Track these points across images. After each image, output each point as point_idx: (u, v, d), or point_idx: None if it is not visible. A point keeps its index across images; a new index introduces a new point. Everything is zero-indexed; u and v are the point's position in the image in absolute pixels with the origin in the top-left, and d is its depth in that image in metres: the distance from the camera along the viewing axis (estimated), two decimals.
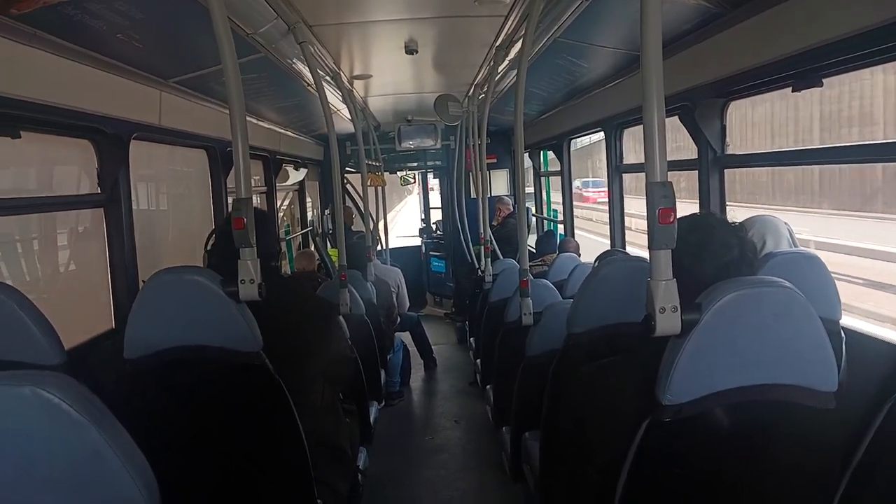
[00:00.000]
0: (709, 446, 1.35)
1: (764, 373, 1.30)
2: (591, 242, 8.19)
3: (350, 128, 5.35)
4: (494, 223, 6.73)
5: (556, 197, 6.70)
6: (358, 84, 4.93)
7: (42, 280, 3.15)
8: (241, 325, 1.80)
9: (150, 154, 3.74)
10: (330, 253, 6.20)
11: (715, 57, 2.67)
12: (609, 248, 4.09)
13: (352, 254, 4.17)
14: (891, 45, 1.86)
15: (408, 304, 5.89)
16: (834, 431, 1.36)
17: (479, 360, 4.74)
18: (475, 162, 5.49)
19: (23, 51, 2.09)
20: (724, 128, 2.93)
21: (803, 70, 2.27)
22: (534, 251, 5.89)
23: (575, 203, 6.23)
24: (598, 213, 16.59)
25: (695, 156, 3.05)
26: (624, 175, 4.58)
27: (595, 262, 3.10)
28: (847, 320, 2.21)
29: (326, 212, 7.57)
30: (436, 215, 9.37)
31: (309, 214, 7.52)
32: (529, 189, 7.37)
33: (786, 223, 2.51)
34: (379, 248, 7.45)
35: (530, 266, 3.07)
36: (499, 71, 3.87)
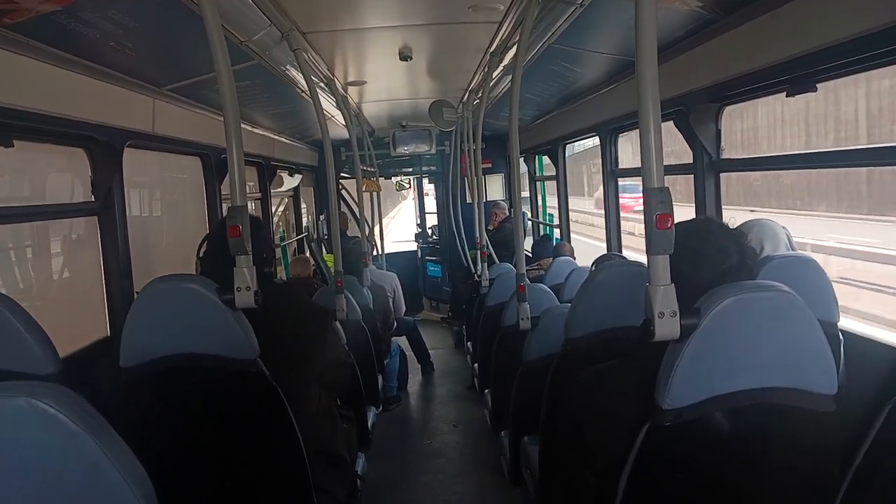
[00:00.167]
0: (709, 450, 1.35)
1: (763, 376, 1.30)
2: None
3: (345, 133, 5.35)
4: (490, 228, 6.74)
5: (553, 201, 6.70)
6: (352, 90, 4.93)
7: (36, 288, 3.14)
8: (238, 332, 1.79)
9: (143, 162, 3.73)
10: (325, 258, 6.20)
11: (709, 62, 2.68)
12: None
13: (347, 259, 4.17)
14: (885, 49, 1.87)
15: (404, 308, 5.88)
16: (833, 434, 1.36)
17: (476, 365, 4.74)
18: (470, 167, 5.49)
19: (16, 60, 2.08)
20: (718, 132, 2.94)
21: (797, 75, 2.28)
22: (530, 255, 5.89)
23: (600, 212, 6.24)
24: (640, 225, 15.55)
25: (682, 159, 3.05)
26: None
27: (592, 266, 3.10)
28: (845, 323, 2.22)
29: (322, 217, 7.57)
30: (431, 220, 9.37)
31: (304, 220, 7.51)
32: (525, 194, 7.39)
33: (784, 227, 2.52)
34: (375, 253, 7.45)
35: (527, 270, 3.07)
36: (493, 77, 3.88)
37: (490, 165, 7.78)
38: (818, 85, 2.28)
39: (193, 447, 1.87)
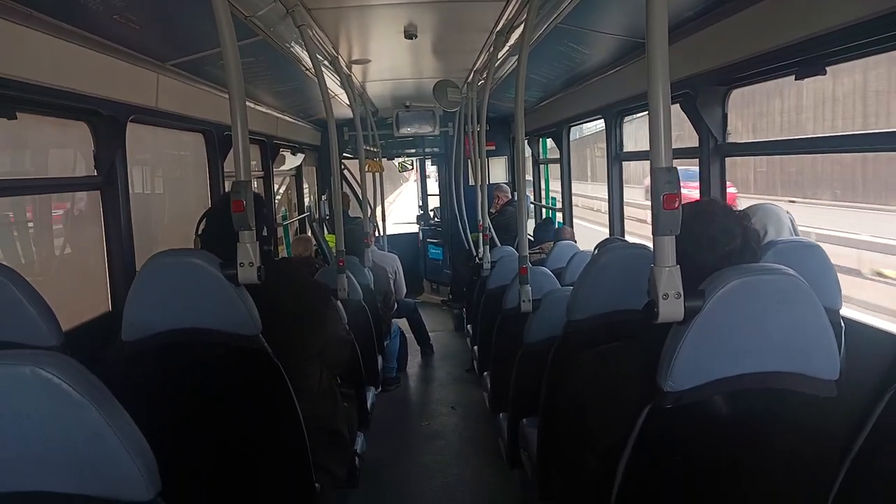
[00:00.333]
0: (710, 433, 1.35)
1: (766, 360, 1.30)
2: None
3: (348, 113, 5.33)
4: (492, 210, 6.72)
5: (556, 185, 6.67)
6: (356, 69, 4.89)
7: (38, 262, 3.14)
8: (241, 308, 1.80)
9: (146, 137, 3.72)
10: (327, 238, 6.19)
11: (717, 45, 2.65)
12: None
13: (349, 239, 4.16)
14: (893, 33, 1.85)
15: (405, 290, 5.89)
16: (834, 420, 1.37)
17: (476, 347, 4.75)
18: (474, 149, 5.47)
19: (19, 32, 2.06)
20: (725, 116, 2.92)
21: (806, 58, 2.26)
22: (531, 239, 5.88)
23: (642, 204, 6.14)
24: None
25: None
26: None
27: (594, 249, 3.10)
28: (847, 310, 2.21)
29: (324, 197, 7.55)
30: (433, 202, 9.35)
31: (306, 200, 7.49)
32: (528, 177, 7.36)
33: (788, 212, 2.51)
34: (376, 234, 7.44)
35: (528, 254, 3.07)
36: (499, 57, 3.85)
37: (493, 148, 7.74)
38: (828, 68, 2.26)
39: (194, 421, 1.88)
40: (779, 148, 3.22)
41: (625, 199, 4.63)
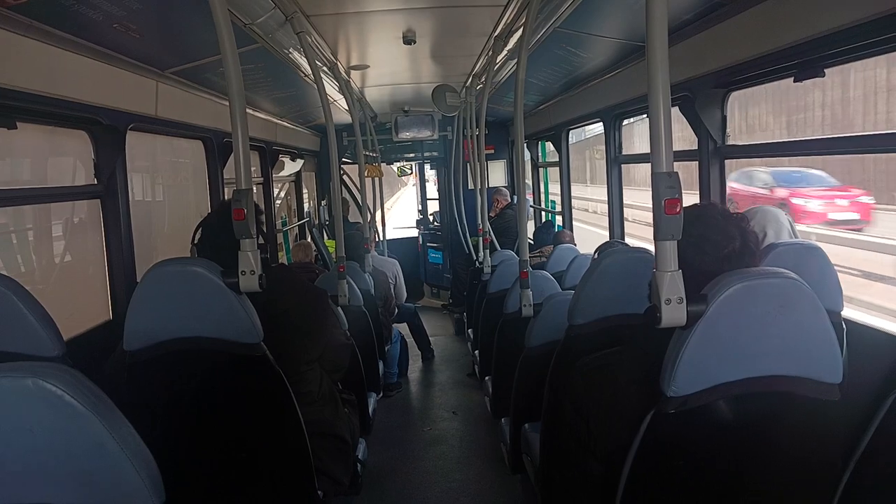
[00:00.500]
0: (713, 438, 1.35)
1: (769, 364, 1.30)
2: None
3: (347, 118, 5.34)
4: (492, 214, 6.73)
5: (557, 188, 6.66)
6: (355, 75, 4.91)
7: (39, 271, 3.14)
8: (242, 316, 1.79)
9: (146, 145, 3.72)
10: (327, 244, 6.20)
11: (716, 47, 2.66)
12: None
13: (348, 245, 4.16)
14: (891, 35, 1.86)
15: (405, 295, 5.89)
16: (837, 423, 1.36)
17: (477, 352, 4.74)
18: (473, 153, 5.47)
19: (19, 41, 2.07)
20: (724, 118, 2.92)
21: (805, 60, 2.26)
22: (531, 242, 5.88)
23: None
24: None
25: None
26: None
27: (595, 253, 3.10)
28: (848, 312, 2.21)
29: (323, 203, 7.55)
30: (433, 207, 9.35)
31: (305, 205, 7.50)
32: (528, 181, 7.37)
33: (786, 214, 2.51)
34: (376, 239, 7.44)
35: (529, 257, 3.07)
36: (497, 61, 3.86)
37: (492, 151, 7.75)
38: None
39: (196, 430, 1.88)
40: (779, 150, 3.22)
41: (636, 203, 4.62)
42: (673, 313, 1.26)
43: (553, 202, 7.12)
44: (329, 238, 6.76)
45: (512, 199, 7.12)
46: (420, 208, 9.87)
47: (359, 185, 5.03)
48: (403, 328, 6.11)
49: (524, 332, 2.81)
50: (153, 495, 1.11)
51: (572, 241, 4.86)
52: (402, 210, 19.72)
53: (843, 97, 10.76)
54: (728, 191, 2.97)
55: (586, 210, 17.35)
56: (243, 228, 1.76)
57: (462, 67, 4.92)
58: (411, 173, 10.28)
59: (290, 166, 6.78)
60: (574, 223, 5.90)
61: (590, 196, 17.88)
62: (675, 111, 3.02)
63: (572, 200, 5.92)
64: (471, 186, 6.71)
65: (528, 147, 7.13)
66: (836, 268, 2.16)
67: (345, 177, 7.78)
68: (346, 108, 4.67)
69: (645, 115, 1.31)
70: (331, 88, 4.55)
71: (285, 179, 6.91)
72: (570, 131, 5.73)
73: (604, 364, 1.55)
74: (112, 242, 2.83)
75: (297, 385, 2.02)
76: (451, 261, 8.32)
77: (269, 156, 5.37)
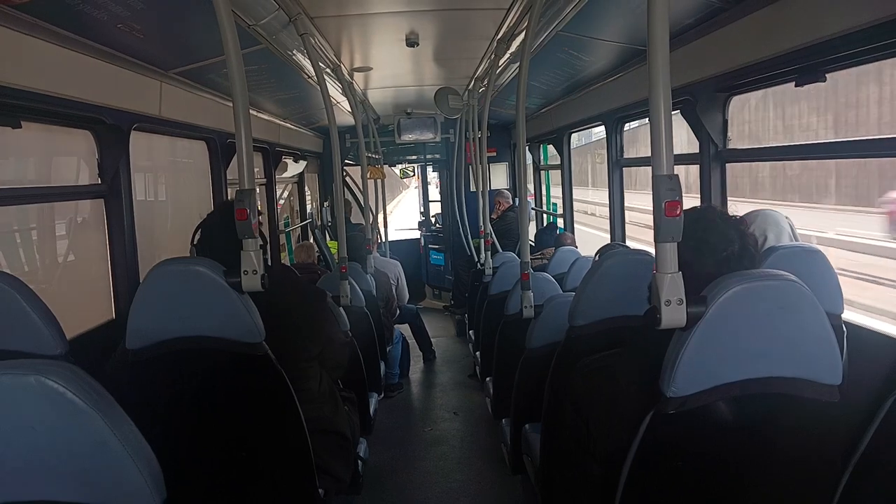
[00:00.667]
0: (713, 439, 1.35)
1: (769, 366, 1.30)
2: None
3: (350, 120, 5.35)
4: (494, 216, 6.74)
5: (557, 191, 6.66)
6: (358, 76, 4.92)
7: (42, 270, 3.15)
8: (245, 315, 1.80)
9: (149, 145, 3.73)
10: (329, 245, 6.20)
11: (718, 51, 2.66)
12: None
13: (351, 246, 4.18)
14: (892, 41, 1.86)
15: (407, 296, 5.90)
16: (837, 425, 1.37)
17: (478, 353, 4.75)
18: (475, 155, 5.48)
19: (23, 40, 2.08)
20: (725, 122, 2.93)
21: (806, 65, 2.27)
22: (533, 244, 5.89)
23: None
24: None
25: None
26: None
27: (596, 255, 3.10)
28: (849, 315, 2.22)
29: (326, 204, 7.56)
30: (435, 208, 9.36)
31: (308, 207, 7.51)
32: (530, 186, 7.38)
33: (787, 217, 2.52)
34: (378, 240, 7.46)
35: (530, 259, 3.08)
36: (499, 64, 3.87)
37: (495, 154, 7.76)
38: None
39: (198, 429, 1.89)
40: (780, 154, 3.22)
41: (636, 206, 4.61)
42: (673, 314, 1.26)
43: (555, 205, 7.13)
44: (331, 239, 6.76)
45: (514, 201, 7.13)
46: (422, 210, 9.88)
47: (361, 187, 5.04)
48: (405, 329, 6.12)
49: (525, 334, 2.82)
50: (154, 493, 1.12)
51: (574, 243, 4.87)
52: (404, 212, 19.73)
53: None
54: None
55: (593, 214, 17.28)
56: (246, 228, 1.77)
57: (464, 70, 4.93)
58: (413, 175, 10.29)
59: (293, 167, 6.79)
60: (577, 226, 5.91)
61: (591, 199, 17.83)
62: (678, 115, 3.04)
63: (574, 203, 5.93)
64: (473, 189, 6.72)
65: (530, 150, 7.14)
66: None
67: (347, 178, 7.80)
68: (349, 109, 4.69)
69: (647, 119, 1.31)
70: (334, 90, 4.56)
71: (288, 181, 6.92)
72: (574, 136, 5.74)
73: (604, 365, 1.56)
74: (115, 242, 2.84)
75: (297, 382, 2.03)
76: (452, 262, 8.32)
77: (272, 157, 5.38)
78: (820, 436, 1.36)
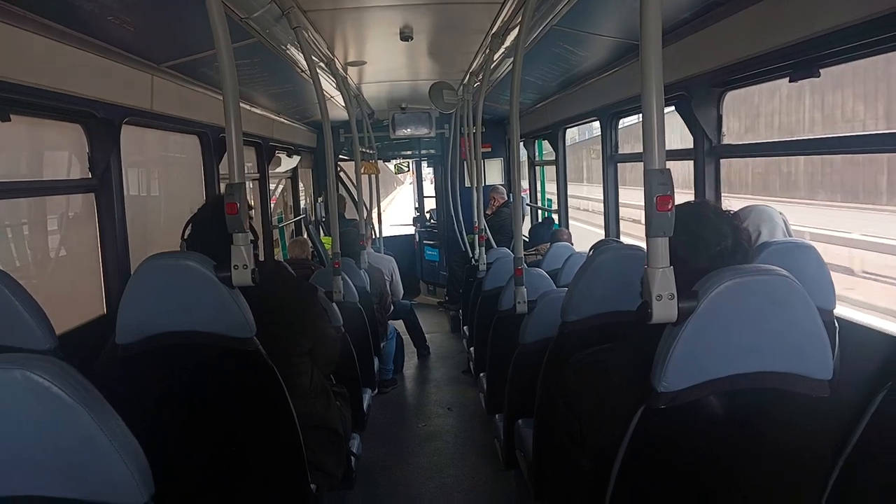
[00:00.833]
0: (704, 433, 1.35)
1: (760, 361, 1.30)
2: None
3: (344, 115, 5.33)
4: (488, 212, 6.73)
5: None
6: (352, 71, 4.89)
7: (32, 265, 3.13)
8: (235, 310, 1.79)
9: (141, 139, 3.71)
10: (323, 241, 6.19)
11: (712, 46, 2.66)
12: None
13: (345, 242, 4.16)
14: (888, 35, 1.86)
15: (401, 292, 5.90)
16: (827, 419, 1.37)
17: (472, 349, 4.75)
18: (470, 151, 5.47)
19: (13, 33, 2.06)
20: (720, 117, 2.93)
21: (800, 60, 2.26)
22: (527, 240, 5.88)
23: None
24: None
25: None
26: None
27: (589, 251, 3.10)
28: (841, 310, 2.22)
29: (320, 199, 7.55)
30: (429, 204, 9.35)
31: (302, 202, 7.49)
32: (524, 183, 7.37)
33: (780, 213, 2.52)
34: (373, 236, 7.45)
35: (524, 255, 3.07)
36: (494, 59, 3.86)
37: (489, 150, 7.76)
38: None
39: (189, 424, 1.88)
40: (774, 150, 3.22)
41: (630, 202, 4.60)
42: (664, 310, 1.26)
43: (550, 200, 7.13)
44: (325, 235, 6.75)
45: (508, 196, 7.13)
46: (417, 206, 9.86)
47: (355, 182, 5.02)
48: (399, 325, 6.12)
49: (519, 329, 2.82)
50: (142, 487, 1.11)
51: (570, 240, 4.86)
52: (398, 208, 19.69)
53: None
54: None
55: (588, 210, 17.23)
56: (236, 223, 1.75)
57: (459, 65, 4.91)
58: (408, 171, 10.28)
59: (287, 162, 6.77)
60: (572, 222, 5.91)
61: (586, 195, 17.79)
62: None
63: (581, 200, 5.92)
64: (467, 184, 6.71)
65: (525, 145, 7.14)
66: None
67: (341, 173, 7.77)
68: (343, 104, 4.67)
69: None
70: (328, 84, 4.54)
71: (282, 175, 6.90)
72: (574, 131, 5.73)
73: (596, 360, 1.56)
74: (106, 237, 2.83)
75: (288, 378, 2.02)
76: (447, 258, 8.31)
77: (265, 151, 5.36)
78: (811, 430, 1.36)
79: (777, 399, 1.32)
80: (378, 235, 7.83)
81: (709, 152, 2.95)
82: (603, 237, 4.38)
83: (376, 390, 4.36)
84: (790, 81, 2.37)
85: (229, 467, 1.96)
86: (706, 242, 1.43)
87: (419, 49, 4.26)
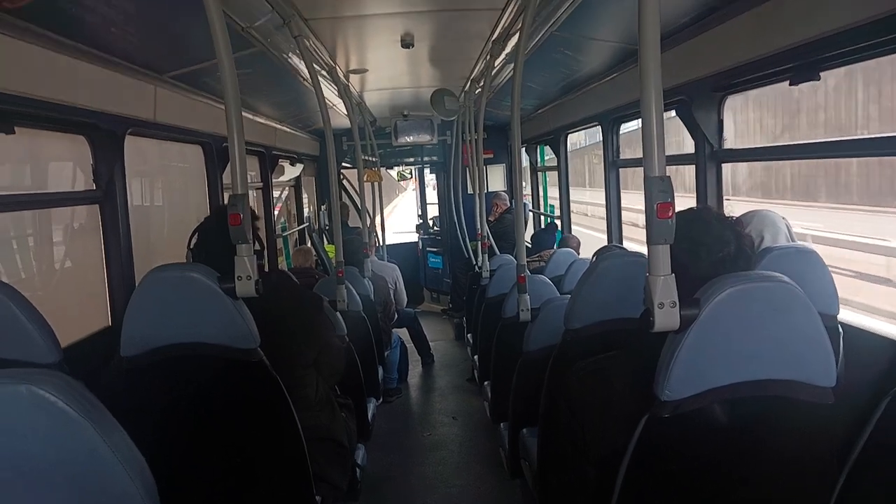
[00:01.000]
0: (707, 441, 1.35)
1: (762, 368, 1.29)
2: None
3: (346, 123, 5.34)
4: (491, 219, 6.73)
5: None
6: (354, 79, 4.91)
7: (37, 277, 3.14)
8: (239, 322, 1.79)
9: (144, 150, 3.72)
10: (326, 249, 6.20)
11: (712, 51, 2.66)
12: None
13: (348, 250, 4.17)
14: (888, 38, 1.86)
15: (405, 300, 5.89)
16: (832, 426, 1.36)
17: (476, 357, 4.74)
18: (472, 157, 5.48)
19: (16, 45, 2.07)
20: (721, 122, 2.93)
21: (801, 64, 2.26)
22: (530, 246, 5.88)
23: None
24: None
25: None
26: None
27: (592, 257, 3.10)
28: (845, 315, 2.21)
29: (323, 208, 7.55)
30: (432, 211, 9.35)
31: (305, 210, 7.50)
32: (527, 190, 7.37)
33: (783, 218, 2.51)
34: (376, 244, 7.45)
35: (527, 262, 3.07)
36: (495, 65, 3.87)
37: (492, 156, 7.76)
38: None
39: (194, 436, 1.88)
40: (776, 154, 3.22)
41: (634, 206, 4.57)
42: (666, 317, 1.26)
43: (552, 206, 7.12)
44: (329, 243, 6.76)
45: (511, 203, 7.13)
46: (420, 213, 9.87)
47: (358, 190, 5.03)
48: (403, 333, 6.11)
49: (522, 337, 2.81)
50: (147, 501, 1.11)
51: (578, 246, 4.83)
52: (401, 215, 19.70)
53: None
54: None
55: (585, 214, 17.21)
56: (239, 233, 1.76)
57: (460, 71, 4.93)
58: (411, 178, 10.29)
59: (290, 171, 6.79)
60: (576, 228, 5.90)
61: (588, 200, 17.77)
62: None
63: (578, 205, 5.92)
64: (470, 191, 6.71)
65: (527, 151, 7.14)
66: None
67: (344, 181, 7.79)
68: (346, 112, 4.68)
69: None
70: (330, 92, 4.55)
71: (285, 184, 6.91)
72: (581, 135, 5.74)
73: (599, 368, 1.55)
74: (111, 248, 2.83)
75: (293, 390, 2.02)
76: (450, 265, 8.32)
77: (268, 160, 5.37)
78: (815, 437, 1.36)
79: (781, 406, 1.31)
80: (381, 243, 7.84)
81: (710, 157, 2.94)
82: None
83: (381, 399, 4.35)
84: (790, 84, 2.37)
85: (234, 479, 1.95)
86: (709, 249, 1.43)
87: (420, 56, 4.27)
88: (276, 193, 6.23)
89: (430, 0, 3.11)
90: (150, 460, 1.14)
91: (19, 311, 1.69)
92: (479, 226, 5.13)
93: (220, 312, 1.78)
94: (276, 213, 6.18)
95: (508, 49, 3.54)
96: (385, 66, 4.65)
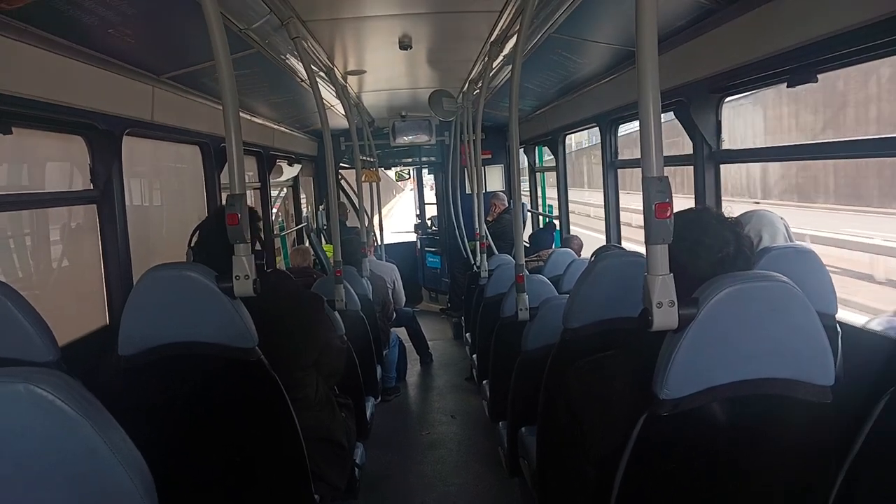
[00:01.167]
0: (706, 440, 1.35)
1: (761, 367, 1.30)
2: None
3: (344, 123, 5.34)
4: (489, 219, 6.74)
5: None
6: (352, 80, 4.91)
7: (35, 277, 3.14)
8: (237, 321, 1.80)
9: (142, 151, 3.72)
10: (325, 249, 6.20)
11: (710, 52, 2.67)
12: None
13: (346, 250, 4.17)
14: (886, 40, 1.87)
15: (404, 299, 5.89)
16: (830, 425, 1.37)
17: (475, 356, 4.75)
18: (470, 158, 5.48)
19: (15, 46, 2.07)
20: (719, 123, 2.93)
21: (798, 65, 2.27)
22: (528, 246, 5.88)
23: None
24: None
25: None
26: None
27: (591, 257, 3.10)
28: (843, 314, 2.21)
29: (321, 208, 7.55)
30: (431, 211, 9.35)
31: (303, 210, 7.49)
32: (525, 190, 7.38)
33: (782, 218, 2.52)
34: (374, 244, 7.45)
35: (526, 262, 3.07)
36: (493, 66, 3.87)
37: (490, 156, 7.76)
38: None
39: (192, 435, 1.88)
40: (774, 154, 3.22)
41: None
42: (664, 317, 1.26)
43: (550, 206, 7.13)
44: (327, 243, 6.75)
45: (509, 203, 7.13)
46: (418, 213, 9.87)
47: (356, 190, 5.04)
48: (402, 332, 6.10)
49: (521, 336, 2.82)
50: (146, 500, 1.11)
51: (580, 247, 4.83)
52: (399, 214, 19.70)
53: None
54: None
55: (587, 215, 17.17)
56: (237, 233, 1.76)
57: (458, 72, 4.93)
58: (409, 178, 10.29)
59: (288, 171, 6.79)
60: (575, 228, 5.91)
61: (587, 200, 17.78)
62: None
63: (569, 205, 5.94)
64: (468, 191, 6.72)
65: (525, 152, 7.14)
66: None
67: (343, 181, 7.78)
68: (344, 113, 4.68)
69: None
70: (328, 93, 4.56)
71: (283, 184, 6.91)
72: (583, 136, 5.74)
73: (598, 367, 1.56)
74: (108, 248, 2.83)
75: (292, 390, 2.02)
76: (449, 265, 8.32)
77: (266, 161, 5.37)
78: (814, 436, 1.36)
79: (779, 405, 1.32)
80: (380, 243, 7.83)
81: (708, 158, 2.95)
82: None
83: (379, 398, 4.35)
84: (788, 87, 2.37)
85: (233, 478, 1.95)
86: (708, 249, 1.43)
87: (418, 57, 4.27)
88: (273, 193, 6.22)
89: (428, 2, 3.11)
90: (148, 459, 1.14)
91: (17, 310, 1.69)
92: (477, 226, 5.13)
93: (218, 312, 1.79)
94: (274, 212, 6.18)
95: (506, 51, 3.54)
96: (383, 68, 4.65)
